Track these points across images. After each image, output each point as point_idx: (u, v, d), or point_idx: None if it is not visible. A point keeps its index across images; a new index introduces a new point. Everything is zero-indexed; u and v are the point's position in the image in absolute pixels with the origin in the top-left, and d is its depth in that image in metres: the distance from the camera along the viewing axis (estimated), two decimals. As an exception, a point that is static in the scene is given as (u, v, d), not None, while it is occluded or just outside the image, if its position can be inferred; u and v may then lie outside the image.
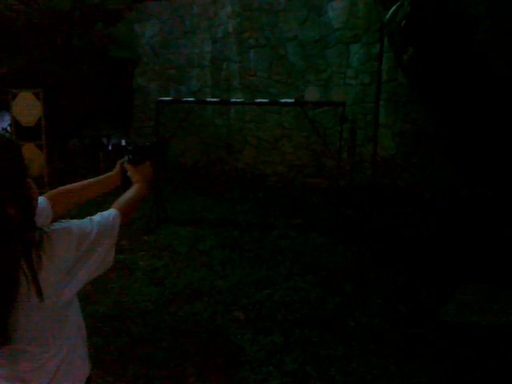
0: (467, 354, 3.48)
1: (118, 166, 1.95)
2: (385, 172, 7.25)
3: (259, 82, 8.64)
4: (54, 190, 1.78)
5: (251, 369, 3.36)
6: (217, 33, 9.05)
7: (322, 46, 7.82)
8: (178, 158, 9.73)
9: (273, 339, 3.72)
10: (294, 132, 8.41)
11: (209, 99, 8.78)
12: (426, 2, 4.62)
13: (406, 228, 6.00)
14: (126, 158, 1.92)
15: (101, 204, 1.94)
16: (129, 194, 1.73)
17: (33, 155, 7.39)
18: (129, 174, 1.90)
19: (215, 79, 9.27)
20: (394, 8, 4.73)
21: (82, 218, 1.43)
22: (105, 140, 10.12)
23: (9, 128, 8.46)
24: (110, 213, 1.51)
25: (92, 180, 1.90)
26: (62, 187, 1.82)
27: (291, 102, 7.01)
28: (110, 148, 9.89)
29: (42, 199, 1.61)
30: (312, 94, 6.70)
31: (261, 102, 7.64)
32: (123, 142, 2.19)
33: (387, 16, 4.89)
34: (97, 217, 1.46)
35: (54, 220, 1.57)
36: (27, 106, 7.54)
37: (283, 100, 7.16)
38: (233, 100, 8.52)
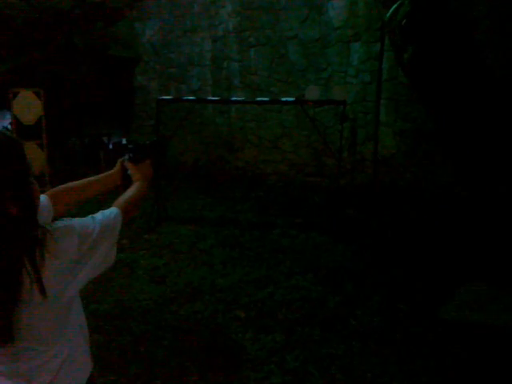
0: (467, 354, 3.48)
1: (118, 165, 1.95)
2: (385, 171, 7.24)
3: (260, 81, 8.64)
4: (55, 189, 1.78)
5: (252, 367, 3.36)
6: (217, 31, 9.04)
7: (323, 45, 7.82)
8: (179, 156, 9.72)
9: (274, 338, 3.72)
10: (294, 131, 8.41)
11: (209, 98, 8.77)
12: (427, 1, 4.62)
13: (407, 227, 6.00)
14: (127, 156, 1.92)
15: (101, 202, 1.94)
16: (129, 192, 1.73)
17: (34, 154, 7.40)
18: (129, 172, 1.90)
19: (216, 78, 9.27)
20: (394, 7, 4.73)
21: (83, 216, 1.43)
22: (105, 139, 10.11)
23: (9, 126, 8.46)
24: (112, 211, 1.51)
25: (93, 178, 1.90)
26: (62, 186, 1.81)
27: (292, 101, 7.00)
28: (110, 147, 9.89)
29: (43, 197, 1.61)
30: (312, 93, 6.68)
31: (261, 101, 7.63)
32: (124, 141, 2.19)
33: (387, 15, 4.88)
34: (98, 215, 1.46)
35: (55, 218, 1.57)
36: (28, 105, 7.55)
37: (284, 99, 7.15)
38: (233, 99, 8.51)
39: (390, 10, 4.74)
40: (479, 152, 4.81)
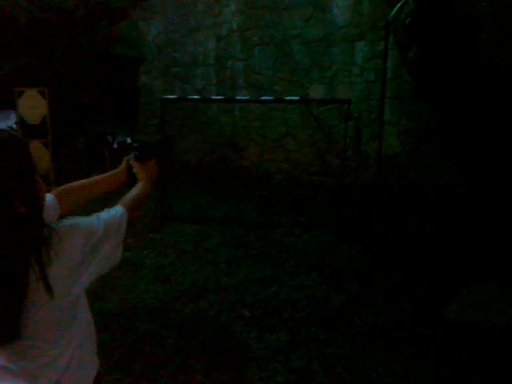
0: (472, 353, 3.47)
1: (123, 163, 1.95)
2: (389, 170, 7.23)
3: (264, 80, 8.63)
4: (61, 188, 1.78)
5: (257, 366, 3.37)
6: (221, 30, 9.05)
7: (327, 44, 7.80)
8: (183, 155, 9.73)
9: (279, 337, 3.72)
10: (298, 130, 8.41)
11: (213, 97, 8.77)
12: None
13: (411, 226, 5.98)
14: (132, 154, 1.93)
15: (106, 201, 1.94)
16: (134, 191, 1.73)
17: (39, 153, 7.44)
18: (134, 170, 1.90)
19: (220, 77, 9.27)
20: (398, 6, 4.72)
21: (88, 215, 1.44)
22: (110, 138, 10.13)
23: (14, 126, 8.50)
24: (117, 210, 1.52)
25: (98, 177, 1.90)
26: (68, 184, 1.82)
27: (296, 100, 6.99)
28: (115, 146, 9.91)
29: (48, 196, 1.62)
30: (317, 92, 6.67)
31: (265, 100, 7.63)
32: (129, 140, 2.19)
33: (392, 14, 4.87)
34: (104, 214, 1.46)
35: (61, 217, 1.57)
36: (33, 104, 7.59)
37: (288, 98, 7.14)
38: (237, 98, 8.52)
39: (395, 9, 4.74)
40: (482, 148, 4.80)
